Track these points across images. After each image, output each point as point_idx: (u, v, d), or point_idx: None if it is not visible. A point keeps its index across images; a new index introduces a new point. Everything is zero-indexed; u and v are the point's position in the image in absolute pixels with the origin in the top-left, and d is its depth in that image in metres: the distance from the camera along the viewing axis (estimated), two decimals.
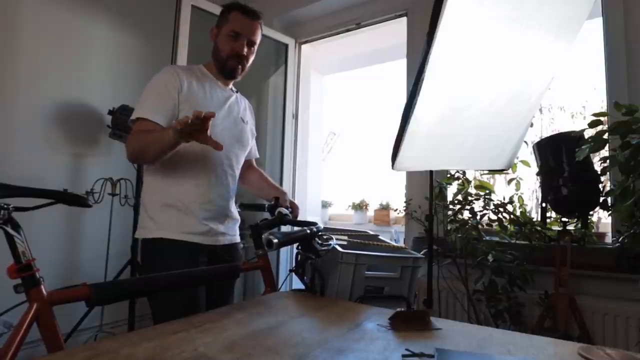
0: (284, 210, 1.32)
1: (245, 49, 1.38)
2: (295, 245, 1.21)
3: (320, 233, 1.12)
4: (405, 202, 2.43)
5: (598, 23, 2.03)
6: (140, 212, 1.34)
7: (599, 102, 2.09)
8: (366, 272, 1.12)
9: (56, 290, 0.81)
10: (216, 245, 1.33)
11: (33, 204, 0.88)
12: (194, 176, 1.31)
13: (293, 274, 1.26)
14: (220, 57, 1.39)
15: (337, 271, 1.08)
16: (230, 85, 1.48)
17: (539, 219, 1.89)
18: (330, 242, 1.14)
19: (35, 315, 0.77)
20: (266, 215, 1.43)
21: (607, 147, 1.46)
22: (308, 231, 1.06)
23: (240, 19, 1.37)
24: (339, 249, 1.12)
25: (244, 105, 1.53)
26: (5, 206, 0.77)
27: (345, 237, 1.42)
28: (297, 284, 1.36)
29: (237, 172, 1.45)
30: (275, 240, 0.90)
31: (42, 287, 0.79)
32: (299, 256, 1.27)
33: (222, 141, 1.31)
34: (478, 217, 1.93)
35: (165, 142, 1.15)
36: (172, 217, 1.28)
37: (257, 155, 1.66)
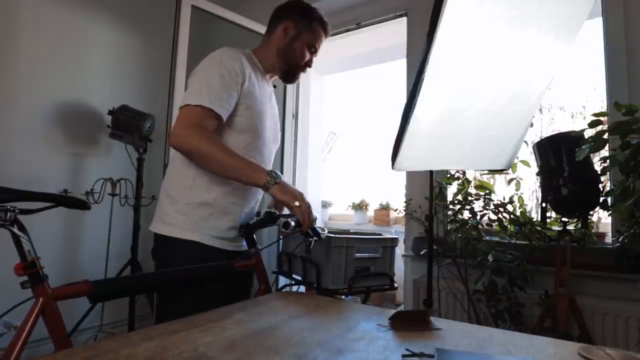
0: (271, 210, 1.33)
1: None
2: (278, 246, 1.31)
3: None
4: (405, 202, 2.43)
5: (598, 23, 2.03)
6: (164, 205, 1.21)
7: (599, 102, 2.09)
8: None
9: (59, 287, 0.85)
10: (238, 251, 1.26)
11: (33, 207, 0.91)
12: None
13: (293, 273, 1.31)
14: (294, 63, 1.34)
15: (331, 256, 1.17)
16: (271, 79, 1.41)
17: (539, 219, 1.89)
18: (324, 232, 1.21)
19: (41, 309, 0.81)
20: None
21: (607, 147, 1.46)
22: (314, 216, 1.16)
23: (321, 36, 1.35)
24: (332, 235, 1.23)
25: (274, 99, 1.47)
26: (12, 209, 0.83)
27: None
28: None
29: None
30: (293, 223, 1.07)
31: (47, 283, 0.83)
32: (282, 256, 1.39)
33: (266, 142, 1.32)
34: (478, 217, 1.93)
35: (249, 180, 1.12)
36: (209, 217, 1.18)
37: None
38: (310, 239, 1.15)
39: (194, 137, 1.08)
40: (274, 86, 1.45)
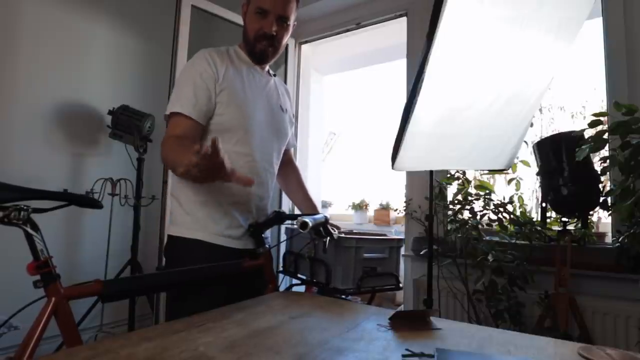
0: (280, 210, 1.33)
1: (275, 27, 1.21)
2: (279, 247, 1.32)
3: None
4: (405, 202, 2.43)
5: (598, 23, 2.03)
6: (172, 207, 1.24)
7: (599, 102, 2.09)
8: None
9: (71, 286, 0.85)
10: (246, 249, 1.24)
11: (43, 206, 0.92)
12: None
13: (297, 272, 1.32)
14: (248, 38, 1.25)
15: (341, 256, 1.19)
16: (267, 68, 1.35)
17: (539, 219, 1.89)
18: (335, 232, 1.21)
19: (53, 309, 0.80)
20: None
21: (607, 147, 1.46)
22: (325, 216, 1.15)
23: None
24: (342, 235, 1.23)
25: (282, 90, 1.41)
26: (25, 208, 0.82)
27: None
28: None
29: (276, 168, 1.36)
30: (311, 223, 1.03)
31: (59, 282, 0.83)
32: (287, 256, 1.38)
33: (261, 136, 1.25)
34: (478, 217, 1.93)
35: (177, 167, 0.95)
36: (209, 216, 1.18)
37: (295, 144, 1.56)
38: (324, 239, 1.15)
39: (162, 147, 1.12)
40: (274, 75, 1.39)
